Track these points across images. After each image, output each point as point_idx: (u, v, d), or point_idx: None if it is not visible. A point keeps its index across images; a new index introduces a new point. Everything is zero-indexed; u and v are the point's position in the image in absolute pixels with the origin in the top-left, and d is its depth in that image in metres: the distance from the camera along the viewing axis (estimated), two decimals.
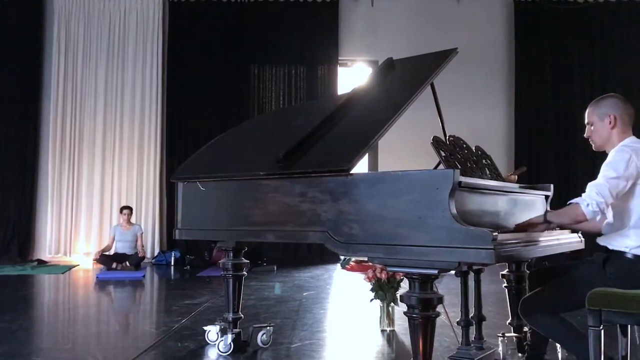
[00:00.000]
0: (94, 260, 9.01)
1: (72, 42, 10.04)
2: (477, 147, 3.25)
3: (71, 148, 9.95)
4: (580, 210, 2.53)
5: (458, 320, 3.17)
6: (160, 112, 10.11)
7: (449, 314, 4.27)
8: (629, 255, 2.56)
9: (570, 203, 2.60)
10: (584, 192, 2.58)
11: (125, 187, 9.98)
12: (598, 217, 2.62)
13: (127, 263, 8.51)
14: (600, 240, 2.69)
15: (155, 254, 9.68)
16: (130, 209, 9.09)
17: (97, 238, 9.75)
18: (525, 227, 2.76)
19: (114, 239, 8.89)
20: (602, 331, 2.42)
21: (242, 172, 3.18)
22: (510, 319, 3.52)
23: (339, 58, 10.34)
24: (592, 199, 2.51)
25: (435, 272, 2.37)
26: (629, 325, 2.88)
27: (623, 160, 2.54)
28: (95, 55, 10.05)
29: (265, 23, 10.10)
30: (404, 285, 2.57)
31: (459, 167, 2.78)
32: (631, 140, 2.68)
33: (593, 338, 2.41)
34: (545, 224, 2.72)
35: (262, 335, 3.75)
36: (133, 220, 9.20)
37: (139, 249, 8.81)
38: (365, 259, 2.61)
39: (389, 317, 4.31)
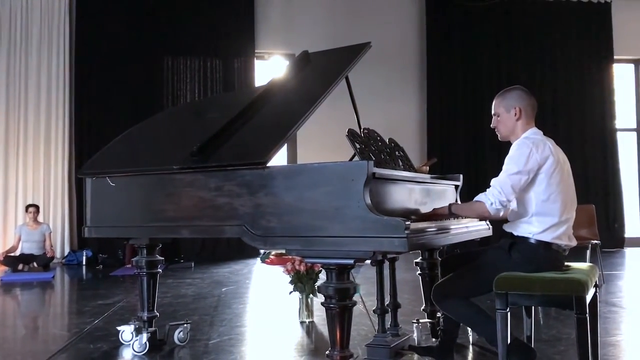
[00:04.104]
0: None
1: None
2: (391, 139, 3.33)
3: None
4: (485, 208, 2.66)
5: (374, 308, 3.23)
6: (68, 105, 9.67)
7: (365, 303, 4.36)
8: (532, 241, 2.69)
9: (477, 200, 2.70)
10: (489, 186, 2.69)
11: (31, 184, 9.47)
12: (501, 213, 2.75)
13: (35, 264, 8.13)
14: (506, 227, 2.81)
15: (66, 253, 9.29)
16: (36, 207, 8.65)
17: (1, 239, 9.22)
18: (430, 216, 2.86)
19: (19, 239, 8.44)
20: (509, 313, 2.54)
21: (155, 166, 3.08)
22: (424, 305, 3.64)
23: (256, 51, 10.27)
24: (495, 197, 2.63)
25: (352, 262, 2.41)
26: (533, 307, 3.05)
27: (524, 155, 2.66)
28: None
29: (179, 13, 9.87)
30: (323, 277, 2.59)
31: (374, 158, 2.84)
32: (533, 131, 2.82)
33: (500, 320, 2.52)
34: (450, 215, 2.83)
35: (179, 333, 3.67)
36: (40, 219, 8.77)
37: (47, 248, 8.40)
38: (284, 251, 2.60)
39: (308, 309, 4.34)
